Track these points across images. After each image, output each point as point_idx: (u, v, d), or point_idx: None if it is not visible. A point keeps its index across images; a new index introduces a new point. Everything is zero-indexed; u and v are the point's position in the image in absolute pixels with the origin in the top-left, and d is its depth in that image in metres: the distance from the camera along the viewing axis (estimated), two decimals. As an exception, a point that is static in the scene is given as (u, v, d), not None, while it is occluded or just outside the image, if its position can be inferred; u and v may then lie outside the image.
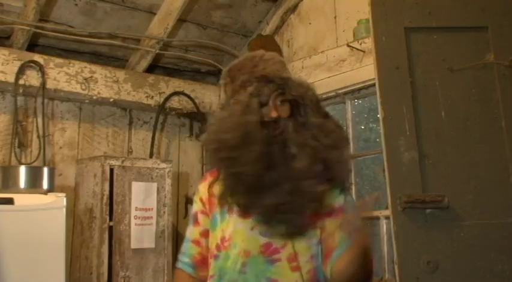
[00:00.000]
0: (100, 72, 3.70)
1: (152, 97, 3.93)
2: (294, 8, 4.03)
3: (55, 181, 3.23)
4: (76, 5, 3.54)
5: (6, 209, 2.78)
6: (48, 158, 3.58)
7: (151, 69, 4.05)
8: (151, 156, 3.95)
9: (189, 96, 4.09)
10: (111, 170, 3.41)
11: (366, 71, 3.18)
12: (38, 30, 3.46)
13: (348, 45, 3.39)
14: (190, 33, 4.03)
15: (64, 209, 2.98)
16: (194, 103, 4.10)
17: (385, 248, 3.13)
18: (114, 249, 3.34)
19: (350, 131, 3.52)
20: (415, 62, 2.42)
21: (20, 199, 2.84)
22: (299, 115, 1.54)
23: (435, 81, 2.41)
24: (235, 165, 1.46)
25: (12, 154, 3.37)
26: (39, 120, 3.51)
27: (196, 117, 4.22)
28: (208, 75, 4.44)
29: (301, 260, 1.52)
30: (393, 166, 2.31)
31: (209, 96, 4.23)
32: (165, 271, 3.48)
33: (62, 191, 3.14)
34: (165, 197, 3.59)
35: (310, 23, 3.90)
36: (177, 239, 3.83)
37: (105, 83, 3.71)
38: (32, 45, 3.57)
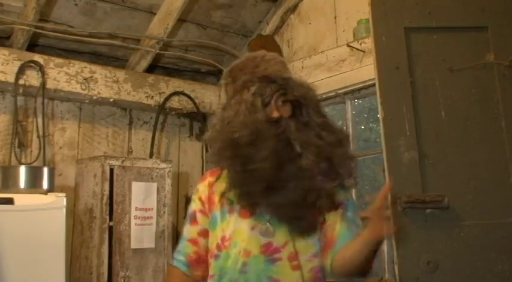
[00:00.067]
0: (100, 72, 3.70)
1: (152, 97, 3.93)
2: (294, 8, 4.03)
3: (55, 181, 3.23)
4: (76, 5, 3.54)
5: (6, 209, 2.78)
6: (48, 158, 3.58)
7: (151, 69, 4.05)
8: (151, 156, 3.95)
9: (189, 96, 4.09)
10: (111, 170, 3.41)
11: (366, 71, 3.18)
12: (38, 30, 3.46)
13: (348, 45, 3.39)
14: (190, 33, 4.03)
15: (64, 209, 2.98)
16: (194, 103, 4.10)
17: (385, 248, 3.13)
18: (114, 249, 3.34)
19: (350, 131, 3.51)
20: (415, 62, 2.42)
21: (20, 199, 2.84)
22: (301, 115, 1.56)
23: (435, 81, 2.41)
24: (251, 162, 1.47)
25: (12, 154, 3.37)
26: (39, 120, 3.51)
27: (196, 117, 4.23)
28: (208, 75, 4.44)
29: (302, 258, 1.53)
30: (393, 166, 2.31)
31: (209, 96, 4.23)
32: (165, 271, 3.47)
33: (62, 191, 3.14)
34: (165, 197, 3.59)
35: (310, 23, 3.90)
36: (177, 239, 3.80)
37: (105, 83, 3.71)
38: (32, 45, 3.57)
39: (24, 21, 3.35)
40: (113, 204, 3.37)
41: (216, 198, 1.62)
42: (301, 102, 1.56)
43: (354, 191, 3.45)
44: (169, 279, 1.73)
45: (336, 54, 3.49)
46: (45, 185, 3.11)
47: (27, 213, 2.85)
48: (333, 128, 1.58)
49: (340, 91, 3.49)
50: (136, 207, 3.44)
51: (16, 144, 3.42)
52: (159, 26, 3.75)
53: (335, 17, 3.71)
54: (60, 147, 3.69)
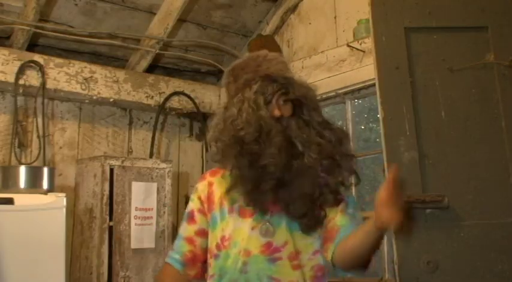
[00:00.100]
0: (100, 72, 3.70)
1: (152, 97, 3.93)
2: (294, 8, 4.03)
3: (55, 181, 3.23)
4: (76, 5, 3.54)
5: (6, 209, 2.78)
6: (48, 158, 3.58)
7: (151, 69, 4.05)
8: (151, 156, 3.95)
9: (189, 96, 4.09)
10: (111, 170, 3.41)
11: (366, 71, 3.18)
12: (38, 30, 3.46)
13: (348, 45, 3.39)
14: (190, 33, 4.03)
15: (64, 209, 2.98)
16: (194, 103, 4.10)
17: (385, 248, 3.13)
18: (114, 249, 3.34)
19: (350, 131, 3.50)
20: (415, 62, 2.42)
21: (20, 199, 2.84)
22: (302, 114, 1.57)
23: (435, 81, 2.41)
24: (260, 159, 1.48)
25: (12, 154, 3.37)
26: (39, 120, 3.51)
27: (196, 117, 4.23)
28: (208, 75, 4.44)
29: (303, 257, 1.53)
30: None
31: (209, 96, 4.23)
32: (165, 271, 3.48)
33: (62, 191, 3.14)
34: (165, 197, 3.59)
35: (310, 23, 3.91)
36: (177, 239, 3.83)
37: (105, 83, 3.71)
38: (32, 45, 3.57)
39: (24, 21, 3.35)
40: (113, 204, 3.37)
41: (216, 198, 1.62)
42: (302, 101, 1.58)
43: (354, 190, 3.45)
44: (163, 277, 1.72)
45: (336, 54, 3.49)
46: (45, 185, 3.11)
47: (27, 213, 2.85)
48: (333, 127, 1.60)
49: (340, 91, 3.49)
50: (136, 207, 3.44)
51: (16, 144, 3.42)
52: (159, 26, 3.75)
53: (335, 17, 3.72)
54: (60, 147, 3.69)
